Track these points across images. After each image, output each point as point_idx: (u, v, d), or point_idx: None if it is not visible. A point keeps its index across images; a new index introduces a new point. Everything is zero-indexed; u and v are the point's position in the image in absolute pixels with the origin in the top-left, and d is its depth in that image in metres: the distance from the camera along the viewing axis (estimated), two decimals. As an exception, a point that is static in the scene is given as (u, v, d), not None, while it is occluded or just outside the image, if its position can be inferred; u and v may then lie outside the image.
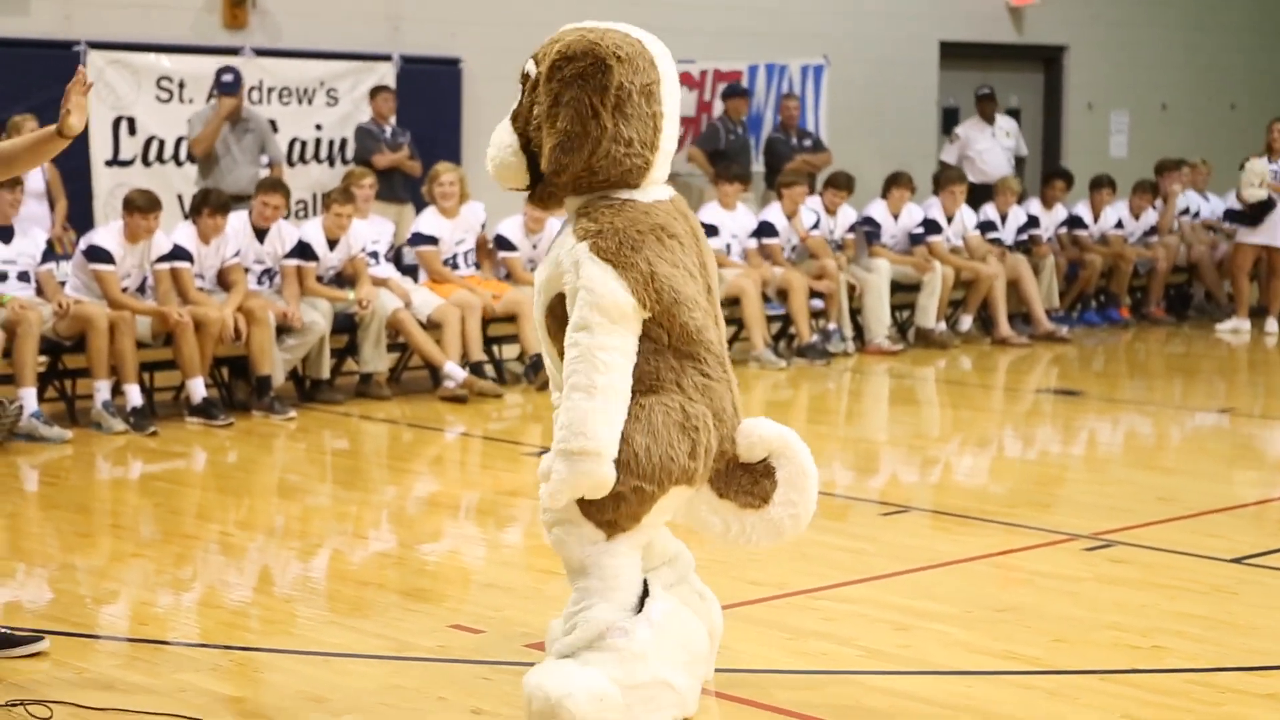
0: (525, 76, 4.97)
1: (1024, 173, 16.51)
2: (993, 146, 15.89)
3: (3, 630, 5.49)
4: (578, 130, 4.81)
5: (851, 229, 13.65)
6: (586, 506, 4.79)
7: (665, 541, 5.18)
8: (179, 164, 12.60)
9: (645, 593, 4.88)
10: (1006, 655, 5.50)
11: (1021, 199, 15.13)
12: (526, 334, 11.26)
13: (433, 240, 11.37)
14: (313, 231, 10.76)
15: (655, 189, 5.00)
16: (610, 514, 4.79)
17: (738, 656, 5.43)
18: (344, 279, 10.87)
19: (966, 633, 5.74)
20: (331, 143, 13.35)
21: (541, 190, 4.99)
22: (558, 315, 4.90)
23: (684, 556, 5.25)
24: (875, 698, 5.06)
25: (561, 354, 4.88)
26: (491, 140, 5.05)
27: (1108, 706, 5.02)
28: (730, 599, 6.12)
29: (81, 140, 12.19)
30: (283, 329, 10.32)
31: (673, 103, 5.01)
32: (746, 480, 4.96)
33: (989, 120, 16.01)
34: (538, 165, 4.95)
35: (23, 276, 9.78)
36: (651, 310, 4.80)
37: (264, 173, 11.71)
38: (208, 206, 10.23)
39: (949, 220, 14.16)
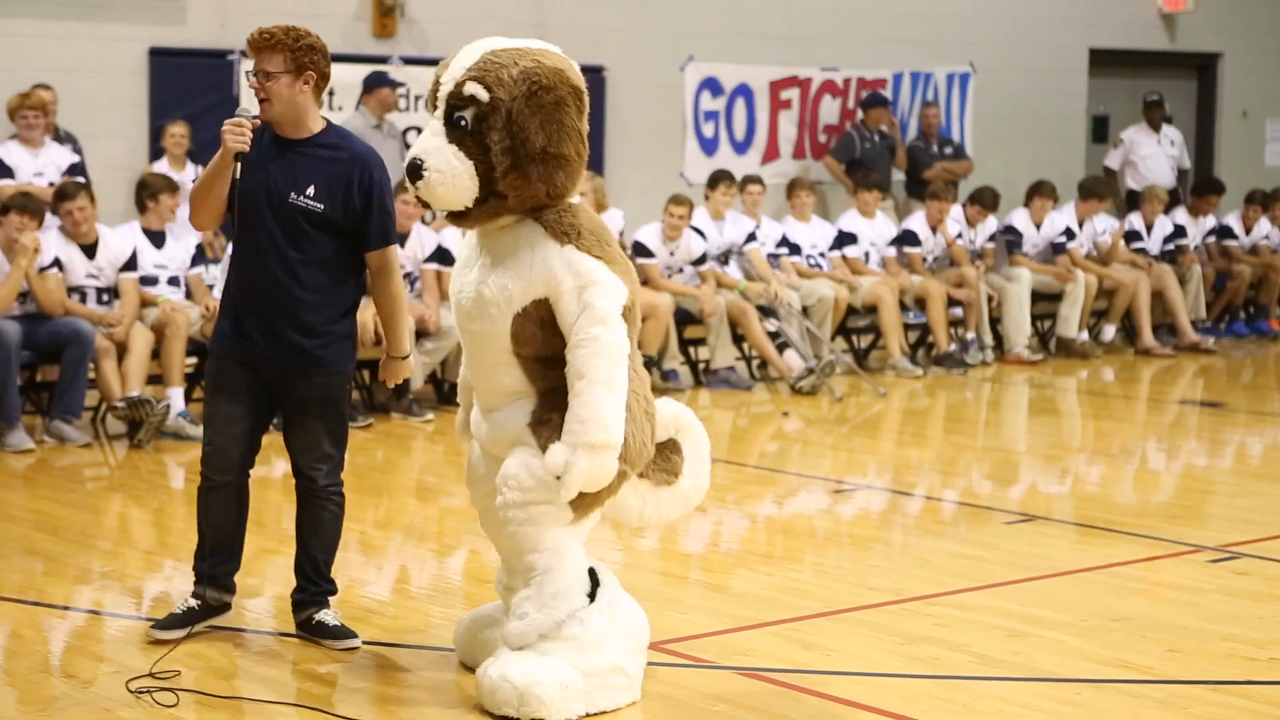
0: (469, 98, 4.93)
1: (1185, 186, 16.28)
2: (1157, 154, 15.73)
3: (329, 621, 5.69)
4: (572, 154, 4.98)
5: (992, 238, 13.60)
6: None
7: None
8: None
9: (595, 581, 5.07)
10: (1118, 664, 5.50)
11: (1169, 209, 14.96)
12: (646, 335, 11.35)
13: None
14: (452, 237, 10.95)
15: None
16: (590, 497, 4.97)
17: (849, 660, 5.51)
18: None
19: (1079, 641, 5.75)
20: (477, 150, 13.55)
21: (482, 210, 5.00)
22: (534, 319, 4.96)
23: None
24: (983, 703, 5.10)
25: (529, 359, 5.00)
26: (432, 164, 4.96)
27: (1218, 717, 5.01)
28: (847, 604, 6.21)
29: (233, 148, 12.53)
30: (421, 333, 10.53)
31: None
32: (660, 459, 5.23)
33: (1155, 127, 15.83)
34: (487, 189, 4.95)
35: (173, 281, 10.10)
36: (632, 302, 5.02)
37: None
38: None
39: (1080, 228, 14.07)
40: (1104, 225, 14.27)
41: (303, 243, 5.52)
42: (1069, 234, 13.80)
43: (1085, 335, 13.74)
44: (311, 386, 5.66)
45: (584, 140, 5.01)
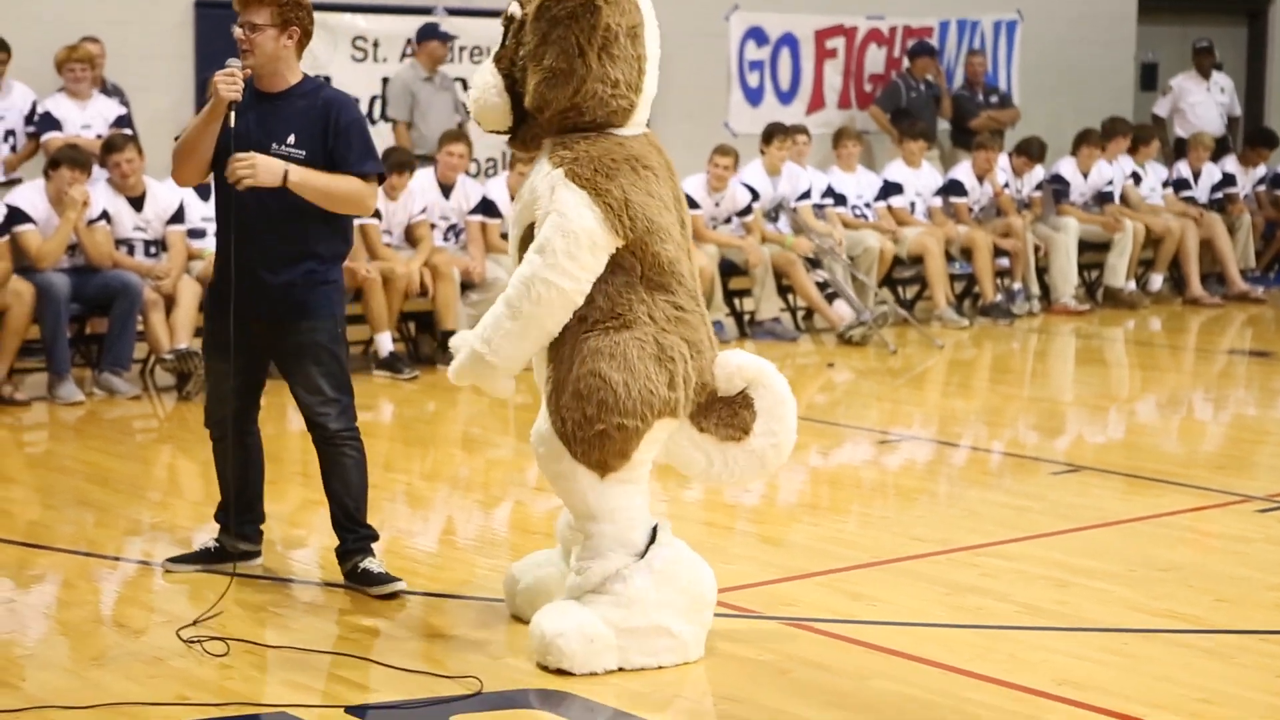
0: (510, 18, 5.07)
1: (1236, 133, 16.13)
2: (1206, 101, 15.58)
3: (372, 569, 5.74)
4: (563, 67, 4.92)
5: (1039, 187, 13.52)
6: (575, 449, 4.91)
7: None
8: (372, 122, 12.88)
9: (654, 539, 4.98)
10: (1166, 614, 5.49)
11: (1217, 157, 14.83)
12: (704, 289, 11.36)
13: (616, 197, 11.49)
14: (497, 189, 10.96)
15: (633, 128, 5.10)
16: (598, 453, 4.90)
17: (895, 610, 5.52)
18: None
19: (1127, 591, 5.74)
20: (521, 101, 13.52)
21: (525, 131, 5.10)
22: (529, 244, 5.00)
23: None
24: (1029, 653, 5.10)
25: None
26: (473, 82, 5.15)
27: (1265, 667, 5.00)
28: (892, 554, 6.22)
29: (280, 100, 12.55)
30: (467, 284, 10.55)
31: (654, 47, 5.13)
32: (726, 413, 5.02)
33: (1205, 75, 15.67)
34: (522, 107, 5.05)
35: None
36: (625, 238, 4.90)
37: None
38: (389, 165, 10.50)
39: (1136, 180, 13.96)
40: (1161, 176, 14.16)
41: (286, 192, 5.57)
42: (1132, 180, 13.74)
43: (1133, 285, 13.65)
44: (300, 333, 5.73)
45: (586, 55, 4.92)
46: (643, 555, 4.95)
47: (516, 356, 4.99)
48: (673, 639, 4.94)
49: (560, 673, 4.86)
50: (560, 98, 4.95)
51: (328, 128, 5.66)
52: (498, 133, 5.18)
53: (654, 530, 5.02)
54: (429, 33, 12.06)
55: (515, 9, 5.04)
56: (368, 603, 5.63)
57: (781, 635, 5.29)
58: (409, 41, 12.69)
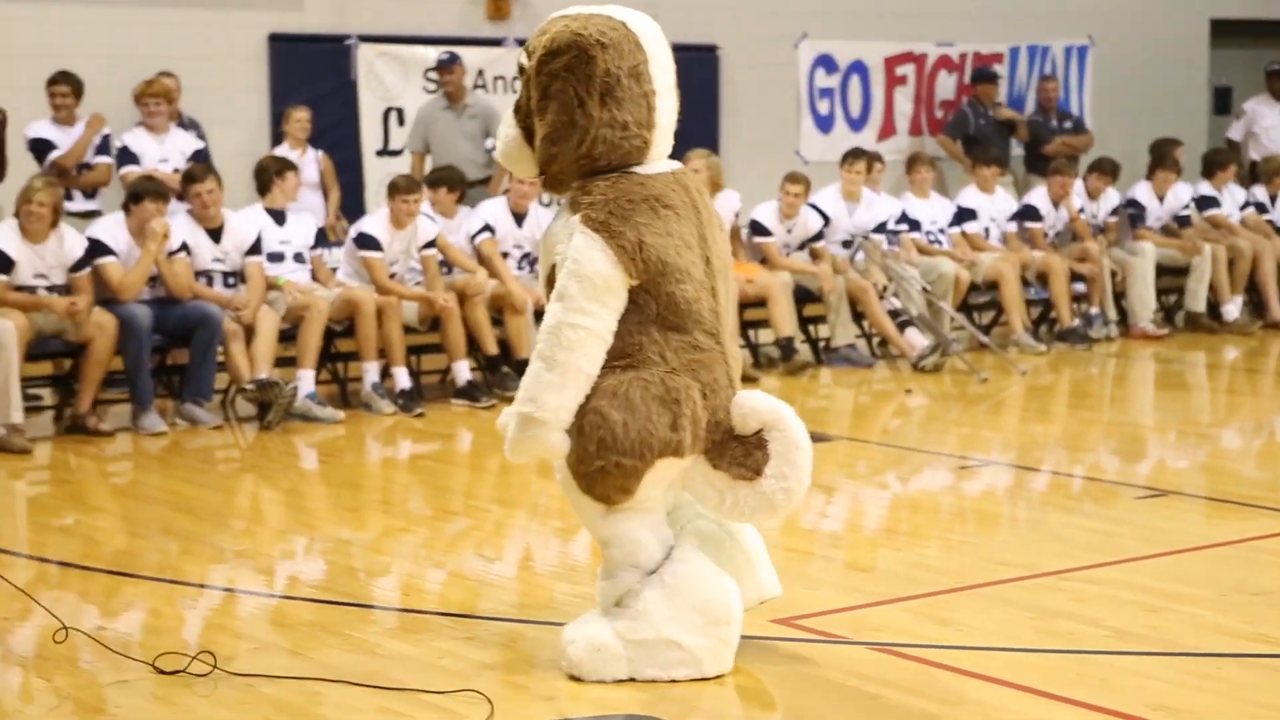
0: (521, 69, 5.12)
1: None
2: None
3: None
4: (564, 120, 4.99)
5: (1115, 212, 13.43)
6: (580, 481, 5.00)
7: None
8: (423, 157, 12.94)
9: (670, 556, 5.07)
10: (1259, 638, 5.42)
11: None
12: (777, 318, 11.34)
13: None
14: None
15: (657, 163, 5.14)
16: (600, 488, 4.99)
17: (984, 635, 5.47)
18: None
19: (1218, 615, 5.67)
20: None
21: (549, 178, 5.16)
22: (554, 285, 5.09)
23: (689, 502, 5.33)
24: (1122, 678, 5.04)
25: None
26: (498, 131, 5.26)
27: (1364, 692, 4.93)
28: (978, 579, 6.17)
29: (352, 132, 12.70)
30: (540, 314, 10.55)
31: (665, 78, 5.14)
32: (739, 452, 5.03)
33: (1278, 98, 15.53)
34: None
35: (298, 258, 10.23)
36: (639, 278, 4.95)
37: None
38: (441, 183, 10.62)
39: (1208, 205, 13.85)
40: (1240, 199, 14.04)
41: None
42: (1209, 202, 13.61)
43: (1232, 310, 13.48)
44: None
45: (586, 105, 4.98)
46: (654, 572, 5.05)
47: (564, 407, 4.99)
48: (683, 652, 5.00)
49: (572, 679, 5.02)
50: (565, 151, 5.04)
51: None
52: (528, 179, 5.37)
53: (672, 548, 5.11)
54: (442, 62, 12.09)
55: (524, 59, 5.11)
56: (453, 627, 5.64)
57: (869, 660, 5.25)
58: (480, 73, 12.80)
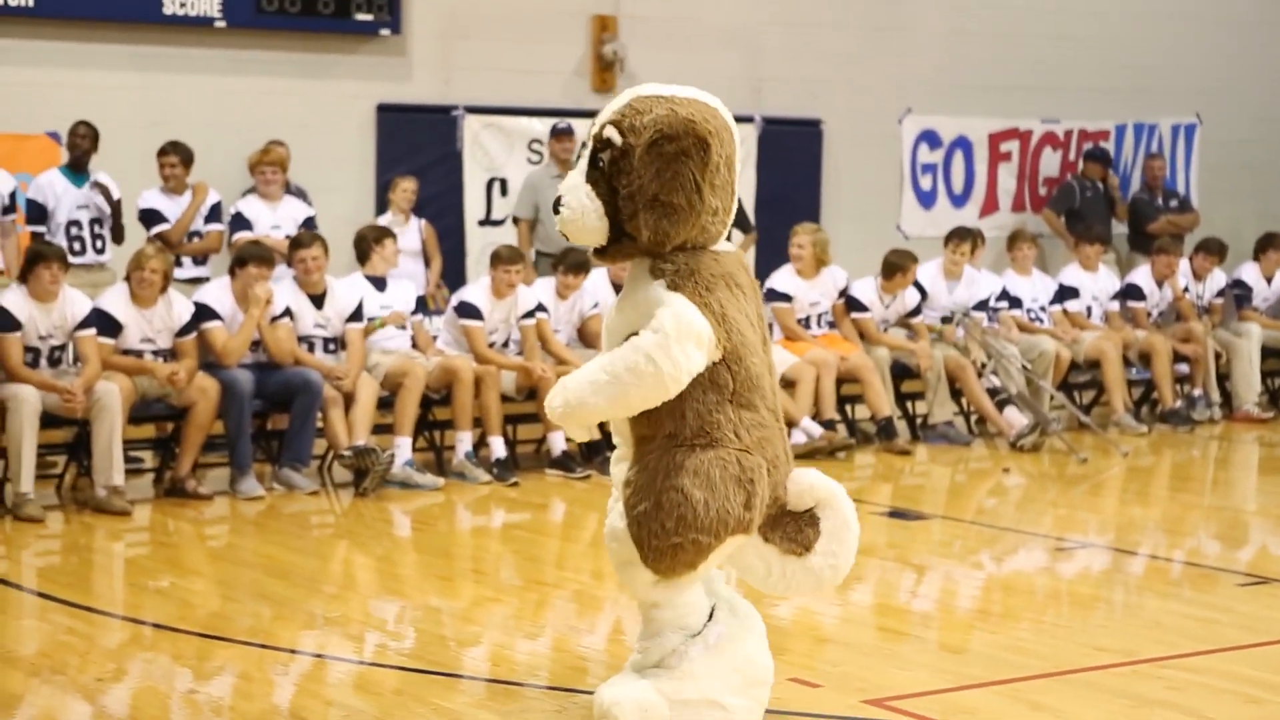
0: (607, 142, 5.07)
1: None
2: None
3: None
4: (683, 204, 5.02)
5: (1221, 293, 13.27)
6: (646, 555, 5.01)
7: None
8: (532, 227, 13.00)
9: (711, 617, 5.14)
10: (1362, 734, 5.31)
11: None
12: (872, 397, 11.29)
13: (787, 298, 11.48)
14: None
15: (723, 243, 5.23)
16: (668, 563, 5.00)
17: (1078, 722, 5.38)
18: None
19: (1321, 709, 5.56)
20: (694, 203, 13.59)
21: (618, 251, 5.16)
22: None
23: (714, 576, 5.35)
24: (1219, 771, 4.95)
25: None
26: (566, 200, 5.16)
27: None
28: (1075, 664, 6.08)
29: (456, 201, 12.83)
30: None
31: (738, 169, 5.22)
32: (791, 528, 5.13)
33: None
34: (617, 229, 5.11)
35: (399, 325, 10.32)
36: (723, 348, 5.01)
37: None
38: (564, 265, 10.61)
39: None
40: None
41: None
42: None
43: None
44: None
45: (702, 191, 5.02)
46: (698, 634, 5.10)
47: (593, 409, 5.05)
48: (724, 712, 5.10)
49: None
50: (680, 232, 5.07)
51: None
52: (587, 245, 5.25)
53: (712, 609, 5.16)
54: (558, 130, 12.15)
55: (614, 135, 5.06)
56: (541, 699, 5.63)
57: (960, 745, 5.19)
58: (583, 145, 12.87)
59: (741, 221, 12.09)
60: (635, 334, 5.04)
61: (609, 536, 5.16)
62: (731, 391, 5.05)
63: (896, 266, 11.69)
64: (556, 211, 5.20)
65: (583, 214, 5.16)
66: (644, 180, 5.04)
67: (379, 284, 10.34)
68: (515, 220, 12.28)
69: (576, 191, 5.17)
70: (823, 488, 5.15)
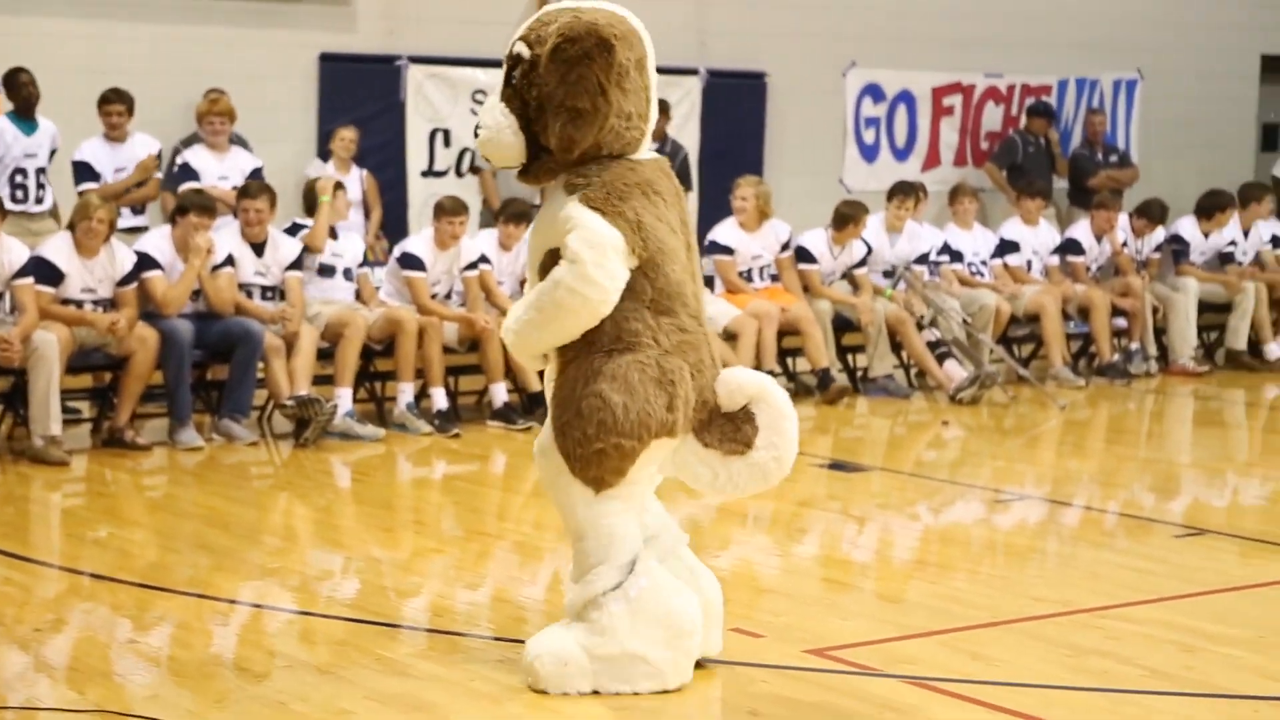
0: (517, 58, 5.13)
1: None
2: (1327, 163, 15.36)
3: None
4: (586, 106, 5.05)
5: (1159, 247, 13.35)
6: (573, 465, 5.08)
7: (651, 517, 5.34)
8: (494, 175, 12.97)
9: (633, 570, 5.13)
10: (1296, 682, 5.38)
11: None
12: (812, 348, 11.33)
13: (728, 250, 11.49)
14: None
15: (644, 153, 5.26)
16: (595, 470, 5.07)
17: (1018, 671, 5.43)
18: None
19: (1257, 657, 5.62)
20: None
21: (538, 167, 5.22)
22: (549, 271, 5.14)
23: (670, 531, 5.42)
24: (1156, 718, 5.00)
25: None
26: (483, 120, 5.23)
27: (1400, 739, 4.87)
28: (1013, 614, 6.13)
29: (398, 152, 12.74)
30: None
31: (653, 73, 5.27)
32: (729, 428, 5.18)
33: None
34: (535, 144, 5.17)
35: (347, 274, 10.28)
36: (639, 257, 5.07)
37: None
38: (505, 215, 10.59)
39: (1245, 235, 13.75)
40: (1269, 231, 13.93)
41: None
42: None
43: (1274, 348, 13.36)
44: None
45: (608, 93, 5.06)
46: (619, 586, 5.10)
47: (535, 343, 5.19)
48: (649, 666, 5.12)
49: (538, 692, 5.08)
50: (586, 136, 5.10)
51: None
52: (508, 168, 5.32)
53: (634, 562, 5.15)
54: None
55: (523, 49, 5.13)
56: (481, 649, 5.63)
57: (902, 693, 5.22)
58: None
59: (684, 179, 12.11)
60: (552, 250, 5.11)
61: (537, 451, 5.23)
62: (650, 299, 5.11)
63: (848, 217, 11.72)
64: (476, 137, 5.25)
65: (498, 131, 5.19)
66: (550, 86, 5.08)
67: (330, 234, 10.30)
68: (476, 170, 12.24)
69: (492, 111, 5.21)
70: (752, 384, 5.21)
